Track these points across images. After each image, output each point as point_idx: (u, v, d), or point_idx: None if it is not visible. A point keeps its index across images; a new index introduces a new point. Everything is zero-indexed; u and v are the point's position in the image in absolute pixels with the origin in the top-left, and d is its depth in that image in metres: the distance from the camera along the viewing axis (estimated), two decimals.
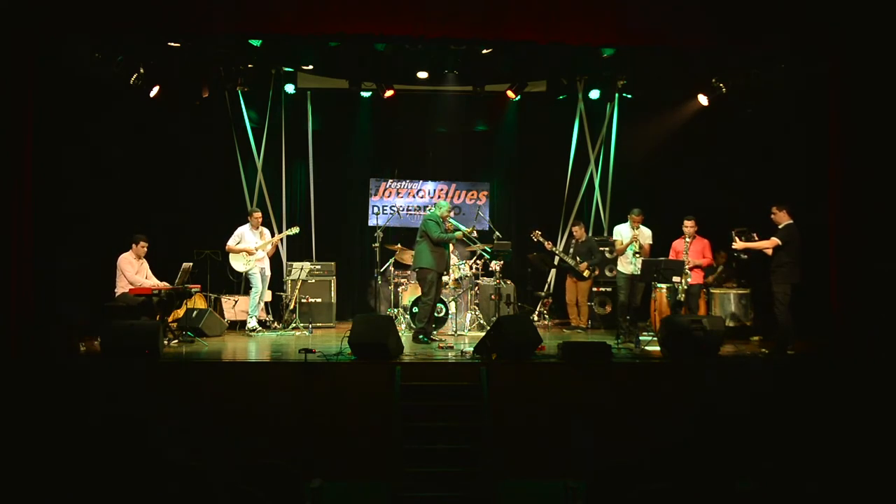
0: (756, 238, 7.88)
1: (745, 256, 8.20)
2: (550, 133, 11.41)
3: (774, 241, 7.68)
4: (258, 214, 9.67)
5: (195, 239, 10.15)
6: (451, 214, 8.84)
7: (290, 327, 9.62)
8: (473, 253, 9.99)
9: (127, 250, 8.55)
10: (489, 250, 9.43)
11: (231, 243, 9.39)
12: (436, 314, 8.91)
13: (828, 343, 7.40)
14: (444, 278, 9.12)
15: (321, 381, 6.69)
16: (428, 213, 8.83)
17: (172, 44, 8.41)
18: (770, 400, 6.62)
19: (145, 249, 8.61)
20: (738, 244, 7.96)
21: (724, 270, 9.72)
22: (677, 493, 3.39)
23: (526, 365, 7.03)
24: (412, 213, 11.62)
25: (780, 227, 7.74)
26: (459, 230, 8.72)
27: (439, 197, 11.58)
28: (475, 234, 9.84)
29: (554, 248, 9.97)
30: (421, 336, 8.41)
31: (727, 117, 9.90)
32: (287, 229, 10.04)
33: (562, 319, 10.55)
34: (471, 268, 9.88)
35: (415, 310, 9.32)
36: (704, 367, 7.07)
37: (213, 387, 6.72)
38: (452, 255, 9.81)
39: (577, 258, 9.93)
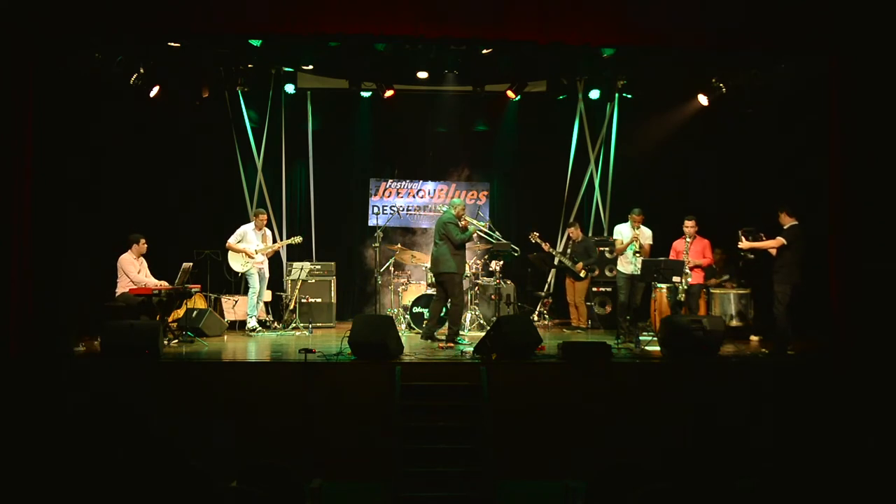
0: (763, 238, 7.89)
1: (752, 256, 8.20)
2: (550, 133, 11.39)
3: (780, 240, 7.69)
4: (263, 216, 9.64)
5: (195, 239, 10.14)
6: (466, 211, 8.74)
7: (290, 327, 9.61)
8: (484, 252, 9.98)
9: (126, 250, 8.54)
10: (516, 249, 9.44)
11: (232, 241, 9.33)
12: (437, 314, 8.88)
13: (827, 343, 7.39)
14: None
15: (321, 381, 6.69)
16: (443, 214, 8.62)
17: (172, 44, 8.40)
18: (770, 400, 6.62)
19: (146, 247, 8.61)
20: (745, 244, 7.97)
21: (725, 270, 9.70)
22: (677, 493, 3.39)
23: (526, 365, 7.03)
24: (412, 213, 11.61)
25: (785, 227, 7.75)
26: (473, 225, 8.63)
27: (439, 197, 11.58)
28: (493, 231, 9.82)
29: (551, 250, 9.97)
30: (457, 338, 8.28)
31: (727, 117, 9.90)
32: (290, 238, 9.85)
33: (562, 319, 10.55)
34: (471, 268, 9.87)
35: (415, 310, 9.33)
36: (704, 367, 7.07)
37: (213, 387, 6.73)
38: None
39: (574, 258, 9.93)
